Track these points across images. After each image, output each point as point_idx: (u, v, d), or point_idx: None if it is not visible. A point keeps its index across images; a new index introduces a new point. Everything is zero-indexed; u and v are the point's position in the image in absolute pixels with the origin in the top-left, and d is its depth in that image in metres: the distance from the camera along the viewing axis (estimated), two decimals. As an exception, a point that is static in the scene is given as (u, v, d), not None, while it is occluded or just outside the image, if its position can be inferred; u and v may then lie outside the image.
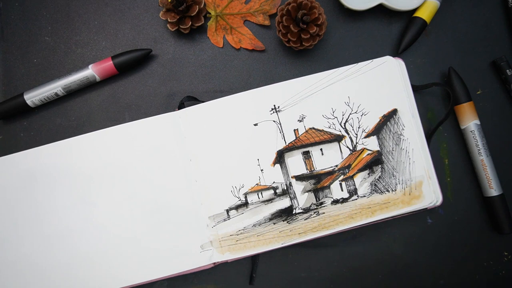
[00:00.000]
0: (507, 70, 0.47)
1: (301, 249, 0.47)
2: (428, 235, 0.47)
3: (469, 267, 0.47)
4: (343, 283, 0.47)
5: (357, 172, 0.45)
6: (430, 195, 0.44)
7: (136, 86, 0.49)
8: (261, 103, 0.45)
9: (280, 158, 0.45)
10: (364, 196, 0.45)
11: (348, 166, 0.45)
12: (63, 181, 0.46)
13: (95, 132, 0.46)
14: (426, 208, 0.45)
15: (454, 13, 0.49)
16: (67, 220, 0.45)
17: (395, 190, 0.44)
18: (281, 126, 0.45)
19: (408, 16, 0.49)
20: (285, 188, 0.45)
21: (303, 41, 0.45)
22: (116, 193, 0.45)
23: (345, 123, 0.45)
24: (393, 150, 0.45)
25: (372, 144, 0.45)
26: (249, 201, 0.45)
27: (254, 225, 0.45)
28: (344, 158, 0.45)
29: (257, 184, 0.45)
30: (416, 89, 0.46)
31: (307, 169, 0.45)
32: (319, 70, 0.47)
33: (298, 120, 0.45)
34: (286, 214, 0.45)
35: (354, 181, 0.45)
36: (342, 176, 0.45)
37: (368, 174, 0.45)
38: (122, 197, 0.45)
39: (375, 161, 0.45)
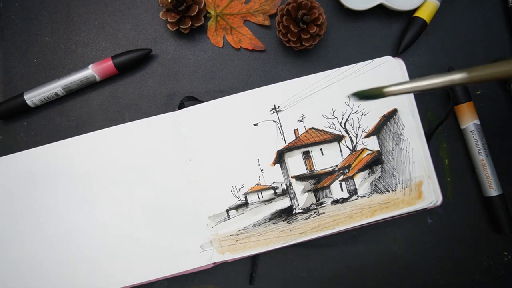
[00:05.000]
0: (507, 70, 0.47)
1: (301, 249, 0.47)
2: (428, 235, 0.47)
3: (469, 267, 0.47)
4: (343, 283, 0.47)
5: (357, 172, 0.45)
6: (430, 195, 0.44)
7: (136, 86, 0.49)
8: (261, 103, 0.45)
9: (280, 158, 0.45)
10: (364, 196, 0.45)
11: (348, 166, 0.45)
12: (63, 181, 0.46)
13: (95, 132, 0.46)
14: (426, 208, 0.45)
15: (454, 13, 0.49)
16: (67, 220, 0.45)
17: (395, 190, 0.44)
18: (281, 126, 0.45)
19: (408, 16, 0.49)
20: (285, 188, 0.45)
21: (303, 41, 0.45)
22: (116, 193, 0.45)
23: (345, 123, 0.45)
24: (393, 150, 0.45)
25: (372, 144, 0.45)
26: (249, 201, 0.45)
27: (254, 225, 0.45)
28: (344, 158, 0.45)
29: (257, 184, 0.45)
30: (416, 89, 0.46)
31: (307, 169, 0.45)
32: (319, 70, 0.47)
33: (298, 120, 0.45)
34: (286, 214, 0.45)
35: (354, 181, 0.45)
36: (342, 176, 0.45)
37: (368, 174, 0.45)
38: (122, 197, 0.45)
39: (375, 161, 0.45)
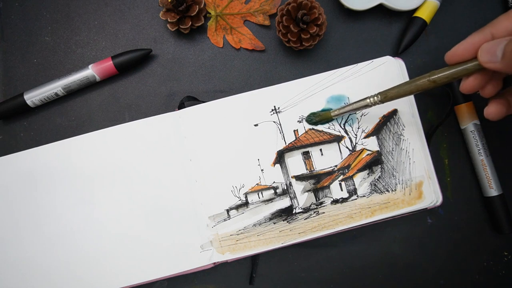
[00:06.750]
0: (507, 70, 0.47)
1: (301, 249, 0.47)
2: (428, 235, 0.47)
3: (469, 267, 0.47)
4: (343, 283, 0.47)
5: (356, 172, 0.45)
6: (430, 195, 0.44)
7: (136, 86, 0.49)
8: (261, 104, 0.45)
9: (280, 158, 0.45)
10: (364, 196, 0.45)
11: (348, 166, 0.45)
12: (63, 181, 0.46)
13: (95, 132, 0.46)
14: (426, 208, 0.45)
15: (454, 13, 0.49)
16: (67, 220, 0.45)
17: (395, 190, 0.44)
18: (281, 127, 0.45)
19: (408, 16, 0.49)
20: (285, 188, 0.45)
21: (303, 41, 0.45)
22: (116, 193, 0.45)
23: (344, 124, 0.45)
24: (393, 150, 0.45)
25: (372, 144, 0.45)
26: (249, 200, 0.45)
27: (254, 225, 0.45)
28: (343, 158, 0.45)
29: (257, 184, 0.45)
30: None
31: (307, 169, 0.45)
32: (319, 70, 0.47)
33: (298, 121, 0.45)
34: (286, 213, 0.45)
35: (353, 181, 0.45)
36: (341, 176, 0.45)
37: (368, 174, 0.45)
38: (122, 197, 0.45)
39: (375, 161, 0.45)
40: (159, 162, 0.45)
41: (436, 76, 0.36)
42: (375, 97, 0.40)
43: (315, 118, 0.45)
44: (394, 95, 0.39)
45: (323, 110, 0.45)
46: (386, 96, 0.39)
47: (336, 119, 0.45)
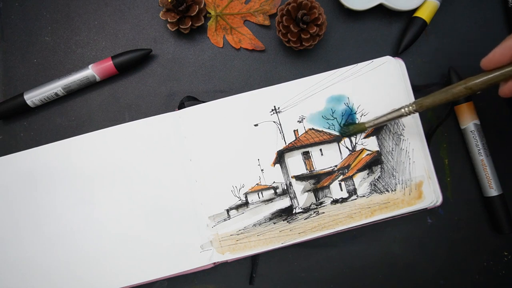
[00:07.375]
0: (507, 70, 0.47)
1: (301, 249, 0.47)
2: (428, 235, 0.47)
3: (469, 267, 0.47)
4: (343, 283, 0.47)
5: (356, 172, 0.45)
6: (430, 195, 0.44)
7: (136, 86, 0.49)
8: (261, 104, 0.45)
9: (280, 158, 0.45)
10: (364, 196, 0.45)
11: (348, 166, 0.45)
12: (63, 181, 0.46)
13: (95, 132, 0.46)
14: (426, 208, 0.45)
15: (454, 13, 0.49)
16: (66, 220, 0.45)
17: (395, 190, 0.44)
18: (281, 127, 0.45)
19: (408, 16, 0.49)
20: (285, 188, 0.45)
21: (303, 41, 0.45)
22: (116, 193, 0.45)
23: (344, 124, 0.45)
24: (393, 150, 0.45)
25: (372, 144, 0.45)
26: (249, 200, 0.45)
27: (255, 225, 0.45)
28: (343, 158, 0.45)
29: (257, 184, 0.45)
30: (416, 89, 0.46)
31: (307, 169, 0.45)
32: (319, 70, 0.47)
33: (298, 121, 0.45)
34: (286, 213, 0.45)
35: (353, 181, 0.45)
36: (341, 176, 0.45)
37: (368, 174, 0.45)
38: (122, 197, 0.45)
39: (375, 161, 0.45)
40: (159, 162, 0.45)
41: (473, 83, 0.36)
42: (410, 107, 0.40)
43: (350, 131, 0.45)
44: (429, 104, 0.39)
45: (355, 123, 0.45)
46: (421, 105, 0.39)
47: (336, 118, 0.45)
